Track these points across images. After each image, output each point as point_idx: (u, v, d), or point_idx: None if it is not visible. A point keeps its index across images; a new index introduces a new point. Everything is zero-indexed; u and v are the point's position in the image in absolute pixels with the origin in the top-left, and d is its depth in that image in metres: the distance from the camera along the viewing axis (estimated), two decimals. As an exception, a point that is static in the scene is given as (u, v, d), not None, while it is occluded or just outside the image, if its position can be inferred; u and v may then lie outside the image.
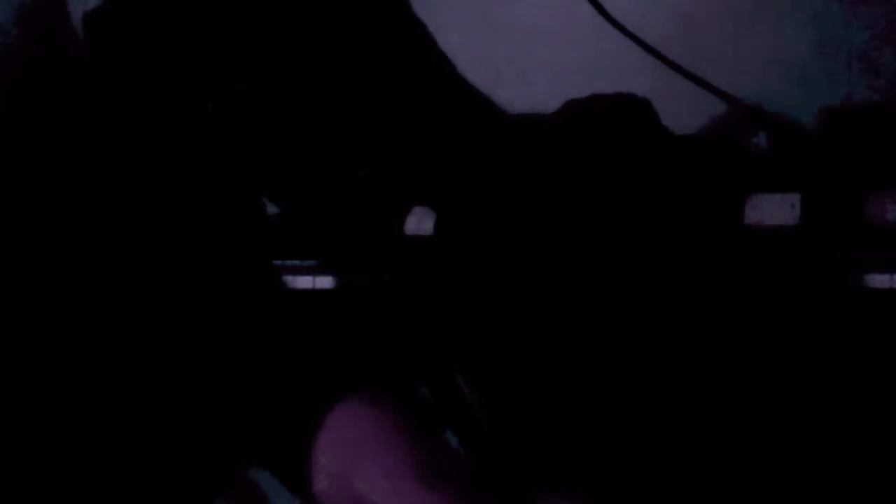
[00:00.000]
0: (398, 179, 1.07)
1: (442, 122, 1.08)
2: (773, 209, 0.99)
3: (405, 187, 1.06)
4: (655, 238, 0.98)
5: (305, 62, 1.05)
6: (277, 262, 0.95)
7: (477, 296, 1.00)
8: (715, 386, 0.96)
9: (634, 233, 0.98)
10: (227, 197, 0.82)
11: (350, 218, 1.08)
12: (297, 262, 1.04)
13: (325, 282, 1.03)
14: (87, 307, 0.74)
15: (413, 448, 0.69)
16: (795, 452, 0.94)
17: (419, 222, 1.03)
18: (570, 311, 0.98)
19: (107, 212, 0.75)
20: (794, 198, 0.99)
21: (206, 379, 0.73)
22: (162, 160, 0.79)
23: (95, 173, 0.76)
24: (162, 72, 0.97)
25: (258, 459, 0.74)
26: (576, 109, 1.02)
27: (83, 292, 0.74)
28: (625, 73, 1.10)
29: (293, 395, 0.71)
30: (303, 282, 1.02)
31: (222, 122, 1.00)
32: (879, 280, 0.95)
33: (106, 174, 0.76)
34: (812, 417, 0.94)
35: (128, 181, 0.76)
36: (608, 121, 1.01)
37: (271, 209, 1.08)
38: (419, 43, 1.09)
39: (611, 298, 0.98)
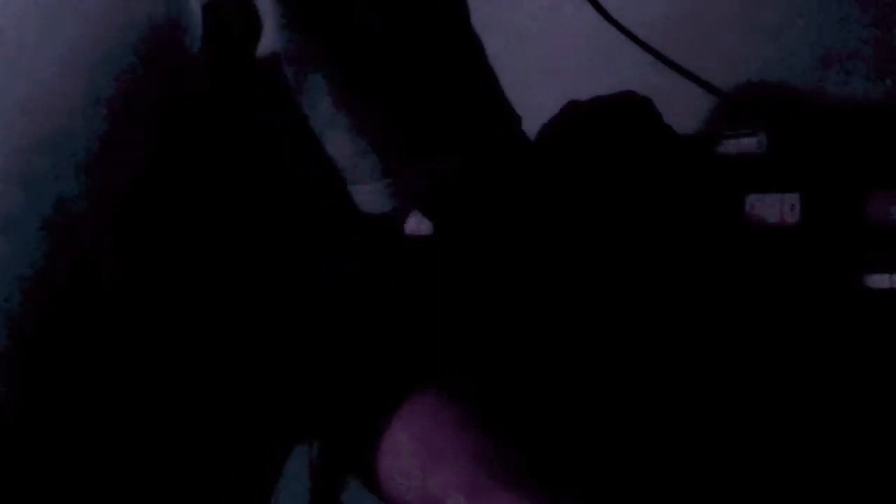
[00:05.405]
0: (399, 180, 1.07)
1: (441, 123, 1.07)
2: (773, 209, 0.99)
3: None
4: (655, 237, 0.98)
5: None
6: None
7: (477, 296, 1.00)
8: (715, 385, 0.96)
9: (634, 232, 0.98)
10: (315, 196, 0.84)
11: (350, 218, 1.08)
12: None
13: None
14: (200, 311, 0.75)
15: (478, 442, 0.70)
16: (796, 452, 0.94)
17: (419, 222, 1.03)
18: (570, 310, 0.98)
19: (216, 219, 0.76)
20: (794, 198, 0.99)
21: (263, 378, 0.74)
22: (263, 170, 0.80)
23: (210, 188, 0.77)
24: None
25: (330, 456, 0.75)
26: (576, 110, 1.02)
27: (193, 294, 0.75)
28: (624, 72, 1.10)
29: (366, 394, 0.72)
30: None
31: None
32: (879, 280, 0.95)
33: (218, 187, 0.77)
34: (812, 417, 0.94)
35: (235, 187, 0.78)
36: (609, 120, 1.01)
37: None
38: (420, 42, 1.09)
39: (611, 298, 0.98)
